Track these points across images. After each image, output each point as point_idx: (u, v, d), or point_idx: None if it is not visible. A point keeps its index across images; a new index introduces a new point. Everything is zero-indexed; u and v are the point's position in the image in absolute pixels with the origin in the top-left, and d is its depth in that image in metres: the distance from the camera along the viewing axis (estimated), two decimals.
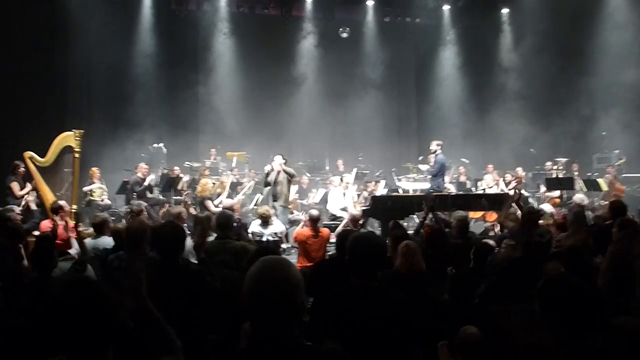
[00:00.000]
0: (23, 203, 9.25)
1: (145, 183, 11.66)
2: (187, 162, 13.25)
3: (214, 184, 11.94)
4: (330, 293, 2.89)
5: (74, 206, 10.02)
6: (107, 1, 13.10)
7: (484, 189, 12.14)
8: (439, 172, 11.08)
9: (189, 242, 6.17)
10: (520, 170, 13.39)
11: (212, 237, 5.80)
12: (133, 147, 13.43)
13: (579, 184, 12.29)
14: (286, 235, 9.06)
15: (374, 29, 16.95)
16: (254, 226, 8.23)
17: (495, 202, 10.02)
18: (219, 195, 11.51)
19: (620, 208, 6.18)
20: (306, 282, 2.04)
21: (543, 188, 12.73)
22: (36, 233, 7.22)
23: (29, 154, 9.99)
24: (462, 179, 14.04)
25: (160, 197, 12.10)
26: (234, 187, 12.56)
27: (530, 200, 12.27)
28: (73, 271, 4.56)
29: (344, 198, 10.85)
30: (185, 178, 12.69)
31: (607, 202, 9.08)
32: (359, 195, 12.46)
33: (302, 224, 8.41)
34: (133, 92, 14.37)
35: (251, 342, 1.89)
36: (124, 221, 8.77)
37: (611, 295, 3.55)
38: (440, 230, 6.18)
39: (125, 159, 13.05)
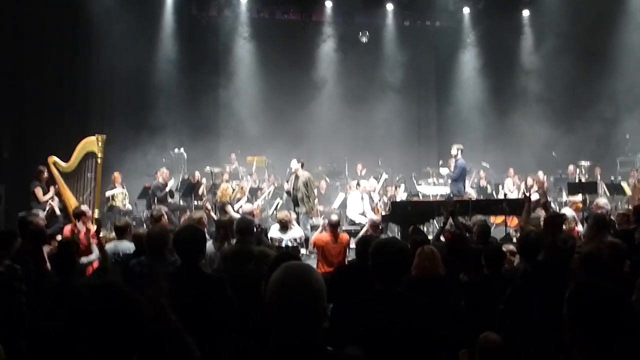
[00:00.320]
0: (47, 208, 9.37)
1: (167, 188, 11.76)
2: (207, 167, 13.33)
3: (233, 189, 11.99)
4: (354, 299, 2.89)
5: (96, 211, 10.15)
6: (130, 8, 13.22)
7: (505, 194, 12.03)
8: (459, 177, 11.01)
9: (210, 246, 6.23)
10: (541, 174, 13.26)
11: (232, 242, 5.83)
12: (154, 152, 13.55)
13: (602, 188, 12.13)
14: (306, 241, 9.05)
15: (394, 33, 16.91)
16: (273, 231, 8.25)
17: (516, 206, 9.92)
18: (238, 200, 11.56)
19: None
20: (327, 288, 2.03)
21: (565, 192, 12.58)
22: (59, 238, 7.32)
23: (52, 159, 10.13)
24: (483, 183, 13.93)
25: (181, 202, 12.19)
26: (254, 192, 12.61)
27: (552, 204, 12.13)
28: (95, 277, 4.61)
29: (362, 202, 10.81)
30: (206, 183, 12.77)
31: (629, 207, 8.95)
32: (382, 206, 12.42)
33: (320, 228, 8.41)
34: (155, 98, 14.52)
35: (274, 347, 1.90)
36: (145, 226, 8.85)
37: None
38: (461, 235, 6.12)
39: (147, 164, 13.16)
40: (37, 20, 12.41)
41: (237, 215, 9.10)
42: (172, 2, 15.17)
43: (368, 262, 3.00)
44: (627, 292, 2.56)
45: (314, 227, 10.58)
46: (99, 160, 10.15)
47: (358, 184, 11.40)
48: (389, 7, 16.57)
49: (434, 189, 12.65)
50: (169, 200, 11.83)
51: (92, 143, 10.15)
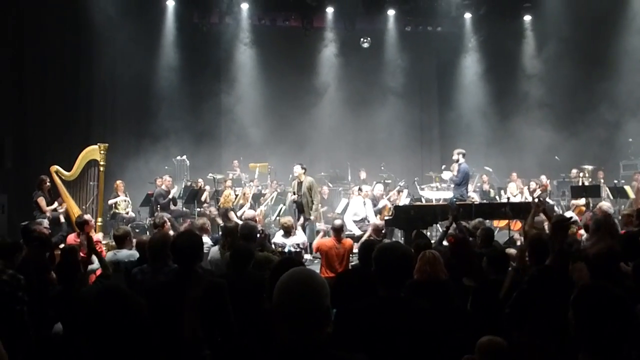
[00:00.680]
0: (49, 216, 9.37)
1: (170, 195, 11.77)
2: (210, 174, 13.34)
3: (236, 195, 12.00)
4: (357, 304, 2.88)
5: (99, 219, 10.16)
6: (132, 16, 13.25)
7: (508, 198, 12.02)
8: (462, 181, 10.99)
9: (216, 252, 6.23)
10: (544, 178, 13.25)
11: None
12: (157, 159, 13.57)
13: (605, 191, 12.11)
14: (310, 245, 9.05)
15: (395, 38, 16.92)
16: (277, 237, 8.25)
17: (519, 210, 9.91)
18: (241, 206, 11.56)
19: None
20: (330, 293, 2.05)
21: (568, 196, 12.57)
22: (62, 246, 7.32)
23: (55, 168, 10.15)
24: (486, 187, 13.92)
25: (184, 209, 12.20)
26: (257, 198, 12.61)
27: (556, 208, 12.12)
28: (98, 285, 4.61)
29: (364, 208, 10.78)
30: (210, 190, 12.78)
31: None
32: (389, 210, 12.39)
33: (321, 233, 8.41)
34: (157, 105, 14.57)
35: (279, 349, 1.94)
36: (148, 233, 8.85)
37: None
38: (465, 239, 6.12)
39: (150, 171, 13.19)
40: (40, 29, 12.45)
41: (240, 222, 9.10)
42: (173, 10, 15.23)
43: (371, 266, 2.99)
44: (626, 294, 2.55)
45: (317, 232, 10.57)
46: (101, 169, 10.17)
47: (360, 189, 11.37)
48: (390, 12, 16.59)
49: (436, 193, 12.64)
50: (172, 207, 11.84)
51: (94, 151, 10.17)
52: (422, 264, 4.47)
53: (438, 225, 10.79)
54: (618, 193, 11.89)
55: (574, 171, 13.37)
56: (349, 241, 7.70)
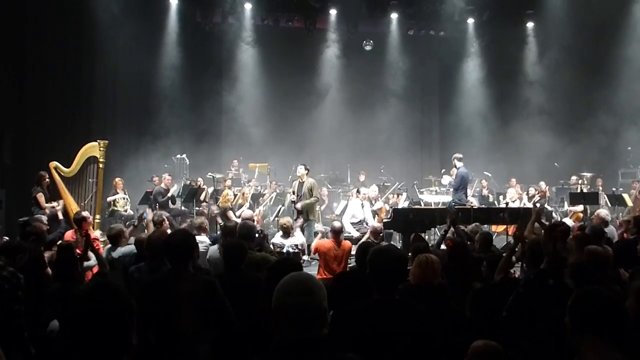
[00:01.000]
0: (47, 212, 9.35)
1: (169, 194, 11.77)
2: (209, 173, 13.34)
3: (235, 195, 12.00)
4: (351, 306, 2.89)
5: (97, 216, 10.16)
6: (134, 14, 13.26)
7: (506, 203, 12.02)
8: (459, 186, 11.00)
9: (215, 251, 6.22)
10: (543, 185, 13.26)
11: None
12: (157, 157, 13.57)
13: (604, 198, 12.13)
14: (308, 246, 9.05)
15: (398, 42, 16.94)
16: (276, 237, 8.27)
17: (517, 216, 9.92)
18: (240, 206, 11.56)
19: None
20: (327, 294, 2.08)
21: (567, 202, 12.59)
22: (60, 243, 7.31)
23: (54, 164, 10.15)
24: (485, 192, 13.93)
25: (183, 208, 12.19)
26: (256, 198, 12.61)
27: (554, 214, 12.13)
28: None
29: (362, 210, 10.78)
30: (209, 189, 12.77)
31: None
32: (386, 211, 12.39)
33: (319, 235, 8.41)
34: (158, 104, 14.56)
35: (276, 348, 1.99)
36: (146, 232, 8.83)
37: None
38: (463, 243, 6.12)
39: (149, 169, 13.18)
40: (41, 26, 12.47)
41: (239, 221, 9.10)
42: (176, 9, 15.25)
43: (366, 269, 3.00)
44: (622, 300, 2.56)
45: (315, 234, 10.57)
46: (100, 166, 10.17)
47: (358, 191, 11.36)
48: (394, 16, 16.61)
49: (435, 197, 12.65)
50: (171, 205, 11.84)
51: (93, 148, 10.17)
52: (417, 267, 4.47)
53: (436, 229, 10.80)
54: (616, 201, 11.91)
55: (574, 178, 13.39)
56: (347, 243, 7.70)
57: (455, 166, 11.08)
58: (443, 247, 6.60)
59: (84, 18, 13.04)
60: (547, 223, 6.87)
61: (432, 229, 10.87)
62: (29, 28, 12.29)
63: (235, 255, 4.55)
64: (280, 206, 12.37)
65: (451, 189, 11.54)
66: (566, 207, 12.72)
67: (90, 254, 5.70)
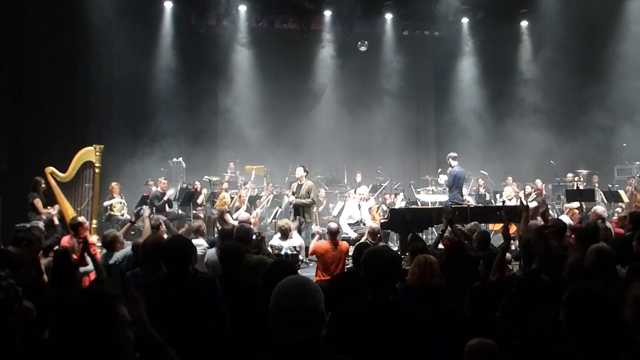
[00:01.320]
0: (45, 218, 9.32)
1: (165, 197, 11.76)
2: (206, 176, 13.33)
3: (232, 197, 11.99)
4: (345, 308, 2.89)
5: (94, 221, 10.13)
6: (129, 18, 13.24)
7: (503, 201, 12.04)
8: (453, 185, 11.01)
9: (213, 254, 6.21)
10: (539, 182, 13.28)
11: None
12: (153, 161, 13.56)
13: (600, 195, 12.16)
14: (306, 248, 9.04)
15: (393, 42, 16.96)
16: (274, 239, 8.26)
17: (514, 214, 9.92)
18: (237, 209, 11.55)
19: None
20: (324, 296, 2.09)
21: (563, 200, 12.62)
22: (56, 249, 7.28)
23: (50, 169, 10.12)
24: (482, 191, 13.95)
25: (179, 211, 12.18)
26: (252, 201, 12.60)
27: (550, 212, 12.15)
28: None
29: (359, 211, 10.77)
30: (205, 191, 12.76)
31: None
32: (377, 208, 12.40)
33: (317, 236, 8.41)
34: (154, 107, 14.56)
35: (274, 350, 2.01)
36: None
37: None
38: (460, 242, 6.13)
39: (146, 173, 13.17)
40: (37, 30, 12.42)
41: (236, 224, 9.10)
42: (171, 11, 15.24)
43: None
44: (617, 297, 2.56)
45: (313, 235, 10.57)
46: (96, 170, 10.15)
47: (355, 192, 11.37)
48: (388, 16, 16.63)
49: (432, 196, 12.66)
50: (167, 209, 11.82)
51: (89, 153, 10.16)
52: (416, 267, 4.47)
53: (434, 228, 10.81)
54: (612, 197, 11.94)
55: (570, 175, 13.41)
56: (344, 244, 7.70)
57: (451, 165, 11.09)
58: (441, 246, 6.61)
59: (80, 22, 13.00)
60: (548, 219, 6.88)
61: (430, 228, 10.87)
62: (25, 33, 12.25)
63: (233, 259, 4.54)
64: (277, 208, 12.36)
65: (447, 188, 11.55)
66: (563, 203, 12.74)
67: (88, 259, 5.68)
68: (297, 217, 10.35)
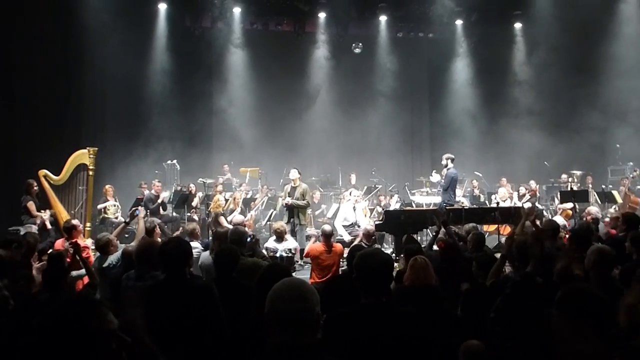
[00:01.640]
0: (38, 222, 9.28)
1: (159, 200, 11.72)
2: (200, 179, 13.30)
3: (226, 200, 11.96)
4: (338, 312, 2.88)
5: (88, 224, 10.10)
6: (123, 20, 13.21)
7: (497, 202, 12.07)
8: (448, 187, 11.00)
9: (207, 257, 6.20)
10: (533, 183, 13.32)
11: None
12: (148, 163, 13.52)
13: (594, 196, 12.20)
14: (301, 251, 9.04)
15: (387, 44, 16.98)
16: (269, 242, 8.24)
17: (508, 215, 9.96)
18: (232, 211, 11.53)
19: (634, 220, 6.10)
20: (319, 298, 2.08)
21: (557, 201, 12.64)
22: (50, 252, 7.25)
23: (43, 172, 10.08)
24: (476, 192, 13.97)
25: (174, 214, 12.14)
26: (247, 203, 12.58)
27: (545, 212, 12.18)
28: (85, 292, 4.57)
29: (354, 213, 10.76)
30: (200, 194, 12.72)
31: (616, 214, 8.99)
32: (372, 210, 12.39)
33: (313, 239, 8.41)
34: (148, 109, 14.51)
35: (270, 353, 2.00)
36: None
37: None
38: (455, 244, 6.14)
39: (140, 176, 13.13)
40: (30, 33, 12.38)
41: (230, 227, 9.09)
42: (165, 13, 15.22)
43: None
44: (613, 298, 2.57)
45: (308, 237, 10.55)
46: (90, 173, 10.12)
47: (350, 194, 11.36)
48: (382, 18, 16.65)
49: (427, 198, 12.66)
50: (162, 212, 11.79)
51: (83, 156, 10.13)
52: (412, 268, 4.47)
53: (428, 230, 10.81)
54: (606, 198, 11.97)
55: (564, 176, 13.46)
56: (339, 246, 7.70)
57: (447, 166, 11.04)
58: (435, 247, 6.62)
59: (73, 25, 12.96)
60: (538, 223, 6.91)
61: (424, 230, 10.88)
62: (18, 35, 12.22)
63: (227, 262, 4.53)
64: (272, 210, 12.35)
65: (440, 189, 11.52)
66: (556, 204, 12.77)
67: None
68: (292, 219, 10.32)
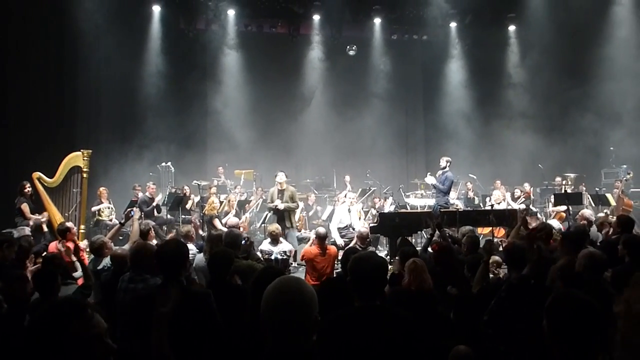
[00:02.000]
0: (32, 224, 9.26)
1: (154, 203, 11.70)
2: (195, 181, 13.28)
3: (221, 202, 11.95)
4: (332, 315, 2.88)
5: (82, 226, 10.07)
6: (117, 23, 13.19)
7: (492, 205, 12.10)
8: (449, 190, 10.99)
9: (201, 260, 6.20)
10: (527, 186, 13.36)
11: None
12: (142, 165, 13.49)
13: (587, 198, 12.24)
14: (295, 254, 9.04)
15: (381, 46, 17.03)
16: (265, 244, 8.22)
17: (502, 218, 9.98)
18: (227, 213, 11.52)
19: (628, 223, 6.14)
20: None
21: (551, 203, 12.70)
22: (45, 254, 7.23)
23: (37, 174, 10.05)
24: (470, 194, 13.99)
25: (168, 216, 12.12)
26: (242, 205, 12.57)
27: (539, 215, 12.22)
28: (79, 295, 4.55)
29: (349, 215, 10.75)
30: (196, 198, 12.68)
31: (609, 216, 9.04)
32: (366, 213, 12.39)
33: (310, 241, 8.40)
34: (142, 111, 14.49)
35: (268, 355, 1.97)
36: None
37: None
38: (449, 247, 6.15)
39: (135, 178, 13.10)
40: (24, 35, 12.34)
41: (225, 229, 9.07)
42: (159, 16, 15.22)
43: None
44: (605, 302, 2.58)
45: (303, 240, 10.55)
46: (84, 175, 10.09)
47: (345, 196, 11.36)
48: (377, 21, 16.69)
49: (421, 200, 12.68)
50: (156, 214, 11.77)
51: (77, 158, 10.10)
52: (411, 271, 4.48)
53: (423, 232, 10.83)
54: (599, 200, 12.02)
55: (558, 179, 13.51)
56: (333, 249, 7.70)
57: (445, 168, 11.00)
58: (430, 250, 6.63)
59: (67, 27, 12.93)
60: (528, 220, 6.94)
61: (419, 232, 10.89)
62: (12, 37, 12.17)
63: (221, 265, 4.52)
64: (266, 212, 12.32)
65: (434, 191, 11.52)
66: (550, 207, 12.82)
67: (77, 265, 5.64)
68: (281, 223, 10.26)
